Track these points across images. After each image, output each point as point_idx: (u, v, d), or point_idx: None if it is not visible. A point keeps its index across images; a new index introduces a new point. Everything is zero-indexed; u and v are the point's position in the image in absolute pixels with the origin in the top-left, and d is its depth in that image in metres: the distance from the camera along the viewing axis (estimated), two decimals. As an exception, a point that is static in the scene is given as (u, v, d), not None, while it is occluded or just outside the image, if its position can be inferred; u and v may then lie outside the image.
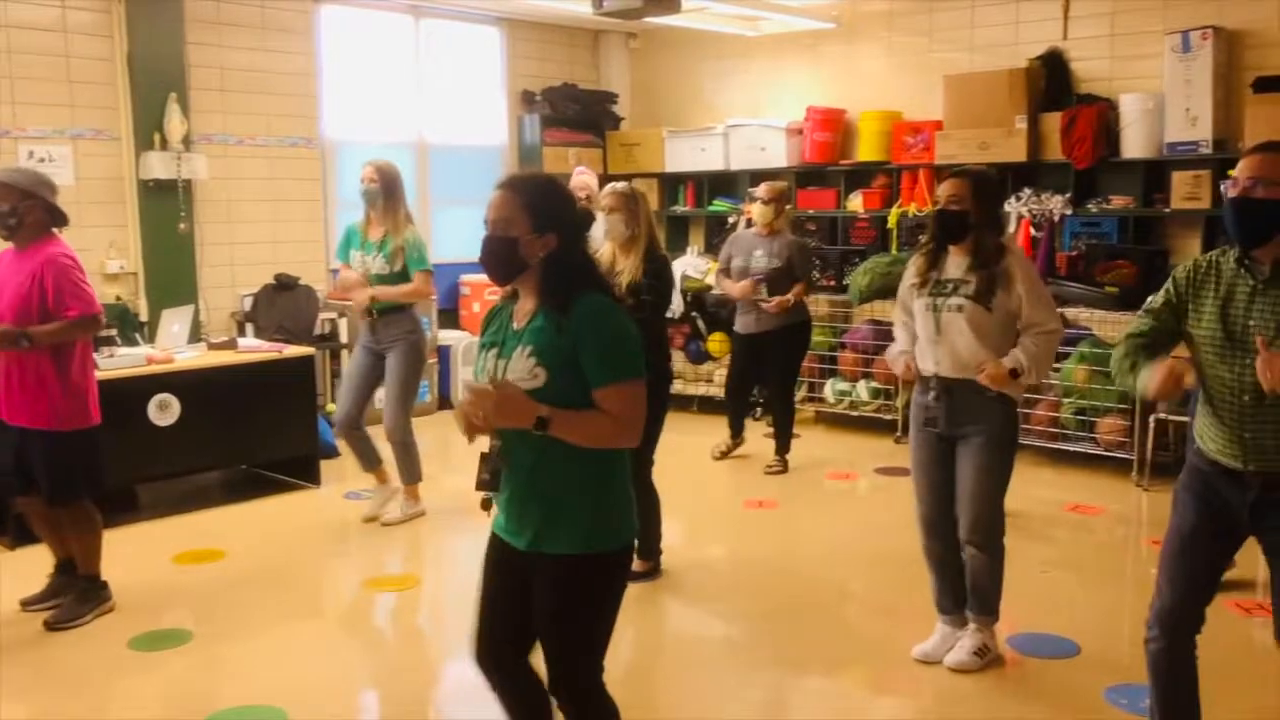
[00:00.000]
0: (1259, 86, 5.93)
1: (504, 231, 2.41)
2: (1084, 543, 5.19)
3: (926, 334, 3.67)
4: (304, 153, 7.50)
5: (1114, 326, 6.24)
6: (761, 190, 6.38)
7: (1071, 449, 6.31)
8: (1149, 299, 2.90)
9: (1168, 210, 6.41)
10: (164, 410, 5.45)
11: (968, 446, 3.64)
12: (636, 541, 4.55)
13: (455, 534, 5.37)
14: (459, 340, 8.07)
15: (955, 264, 3.63)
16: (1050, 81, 6.86)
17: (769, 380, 6.62)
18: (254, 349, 6.00)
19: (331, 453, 6.47)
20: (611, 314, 2.39)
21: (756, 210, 6.38)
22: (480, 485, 2.43)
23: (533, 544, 2.42)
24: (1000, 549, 3.73)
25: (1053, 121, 6.68)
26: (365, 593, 4.68)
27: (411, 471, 5.50)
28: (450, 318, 8.37)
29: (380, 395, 5.62)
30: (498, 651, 2.55)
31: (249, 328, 7.03)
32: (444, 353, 8.05)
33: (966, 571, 3.76)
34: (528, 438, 2.32)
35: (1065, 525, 5.43)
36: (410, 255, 5.23)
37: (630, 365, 2.36)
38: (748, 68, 8.53)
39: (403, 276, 5.24)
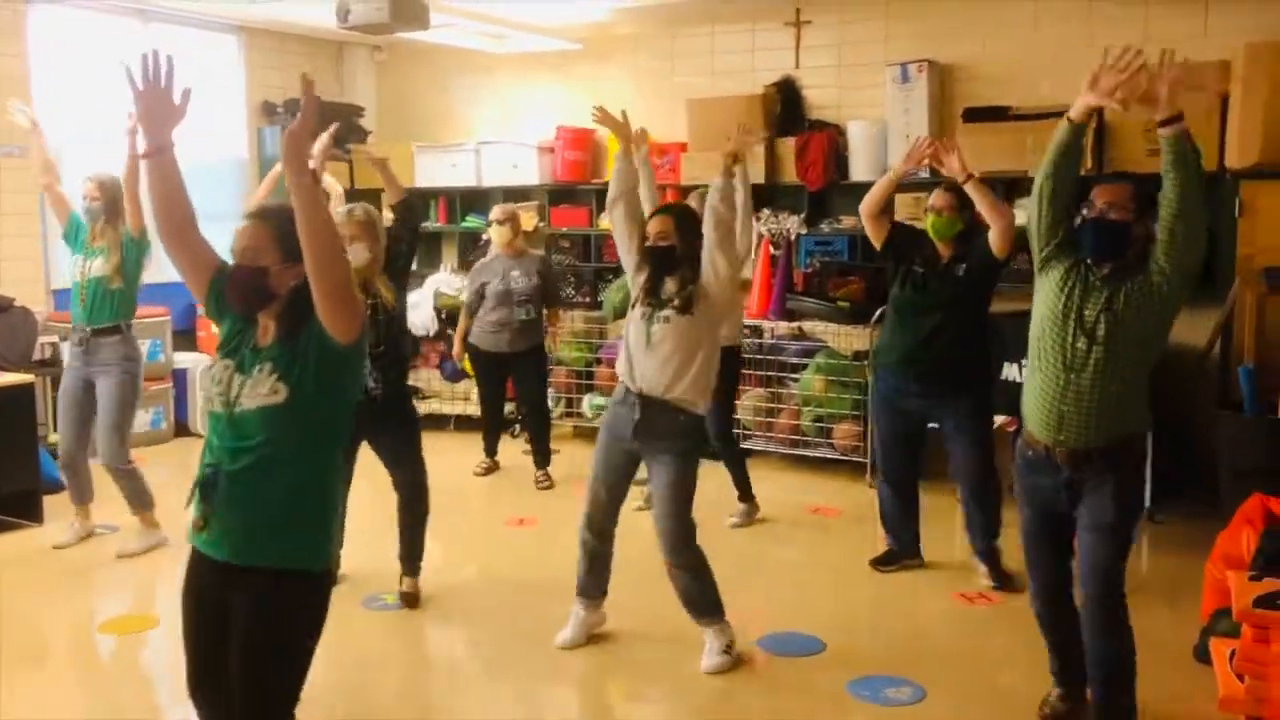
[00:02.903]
0: (968, 116, 6.48)
1: (253, 261, 2.37)
2: (825, 543, 5.49)
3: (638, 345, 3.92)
4: (17, 163, 6.90)
5: (847, 338, 6.65)
6: (495, 212, 6.53)
7: (811, 454, 6.67)
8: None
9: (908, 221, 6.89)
10: None
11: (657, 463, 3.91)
12: (409, 559, 4.53)
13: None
14: (197, 363, 7.64)
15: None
16: (784, 107, 7.23)
17: (525, 398, 6.69)
18: (-38, 377, 5.48)
19: (56, 487, 5.98)
20: None
21: (494, 232, 6.48)
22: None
23: (240, 558, 2.41)
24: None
25: (787, 146, 7.05)
26: (95, 637, 4.36)
27: (140, 498, 5.20)
28: (187, 339, 7.91)
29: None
30: (212, 679, 2.53)
31: (-44, 354, 6.40)
32: (180, 376, 7.59)
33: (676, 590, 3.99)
34: (248, 455, 2.35)
35: (807, 526, 5.73)
36: (128, 259, 5.05)
37: None
38: (498, 84, 8.55)
39: (122, 290, 5.05)
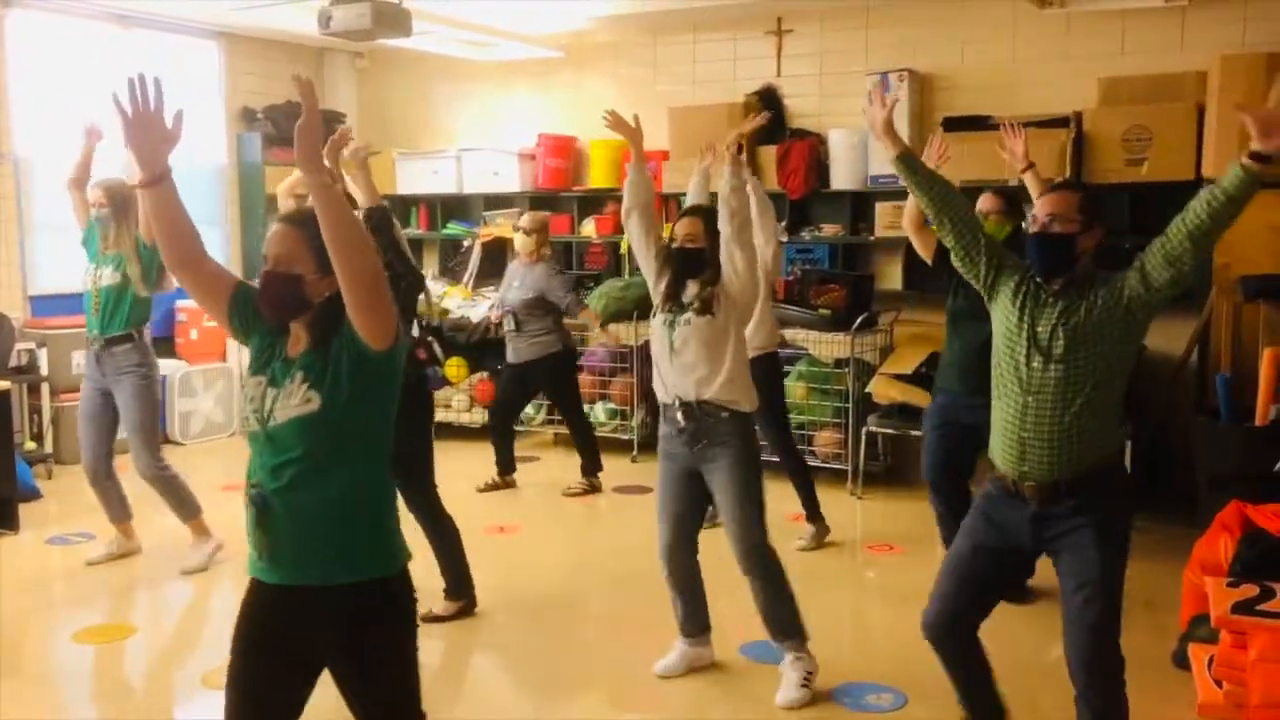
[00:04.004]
0: (948, 125, 6.51)
1: (287, 268, 2.29)
2: (805, 551, 5.49)
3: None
4: (-6, 169, 6.86)
5: (828, 346, 6.67)
6: (524, 220, 6.49)
7: (793, 462, 6.67)
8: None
9: (872, 238, 6.92)
10: None
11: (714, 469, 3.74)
12: (445, 581, 4.41)
13: (174, 576, 5.03)
14: (175, 370, 7.60)
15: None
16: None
17: (558, 408, 6.70)
18: (-63, 384, 5.43)
19: (33, 495, 5.94)
20: None
21: (518, 240, 6.46)
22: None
23: (312, 578, 2.29)
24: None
25: (769, 154, 7.07)
26: (71, 647, 4.31)
27: (185, 506, 5.10)
28: (166, 346, 7.85)
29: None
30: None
31: (-70, 361, 6.34)
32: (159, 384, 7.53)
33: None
34: (291, 469, 2.25)
35: (787, 534, 5.71)
36: (145, 266, 4.96)
37: None
38: (479, 92, 8.54)
39: (135, 297, 4.97)
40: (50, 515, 5.82)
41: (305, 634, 2.31)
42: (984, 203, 4.54)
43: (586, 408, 7.44)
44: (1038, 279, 2.92)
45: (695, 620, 3.96)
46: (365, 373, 2.26)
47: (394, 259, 4.22)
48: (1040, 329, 2.87)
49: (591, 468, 6.55)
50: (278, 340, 2.37)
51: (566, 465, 7.14)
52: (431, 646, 4.41)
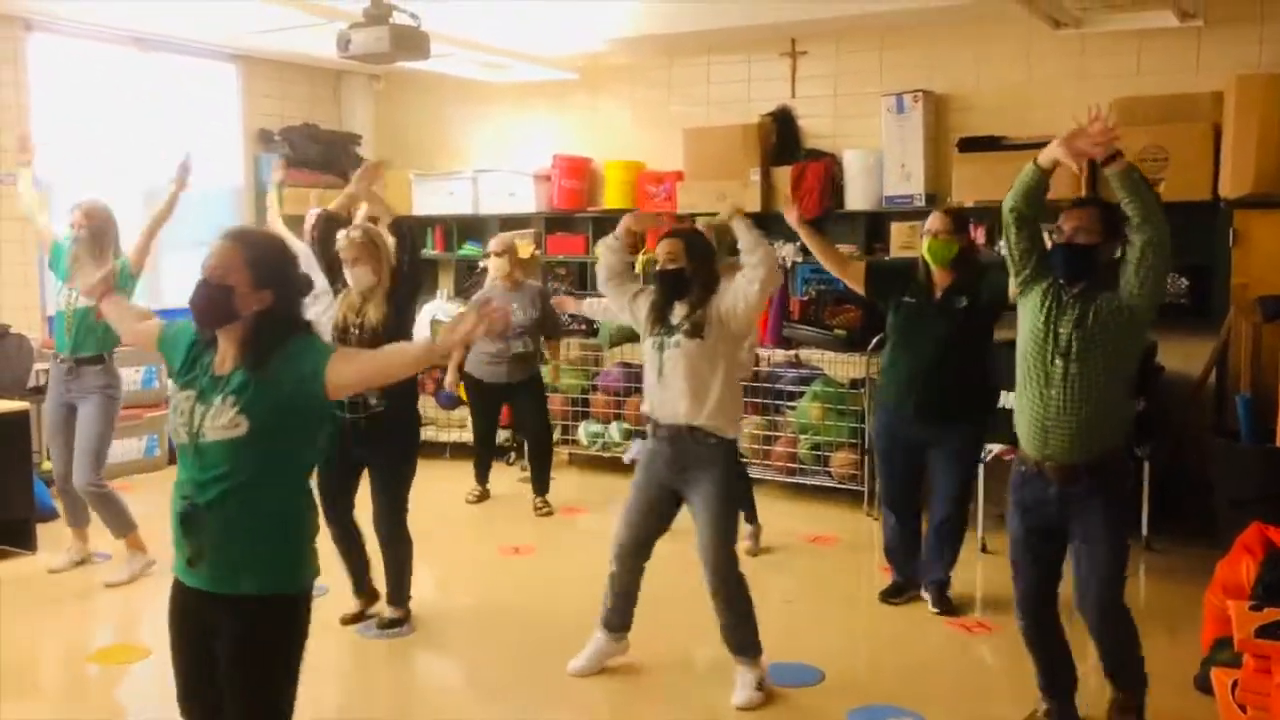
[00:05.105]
0: (963, 146, 6.52)
1: (220, 279, 2.40)
2: (822, 571, 5.47)
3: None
4: (9, 190, 6.90)
5: (843, 366, 6.65)
6: (492, 244, 6.56)
7: (808, 482, 6.65)
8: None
9: (887, 258, 6.91)
10: None
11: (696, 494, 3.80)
12: (387, 588, 4.51)
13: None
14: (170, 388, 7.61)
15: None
16: (780, 137, 7.26)
17: (526, 426, 6.73)
18: (-44, 404, 5.45)
19: (51, 515, 5.95)
20: (312, 334, 2.53)
21: (492, 264, 6.50)
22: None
23: (218, 587, 2.43)
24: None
25: (783, 175, 7.08)
26: (87, 668, 4.31)
27: (120, 522, 5.18)
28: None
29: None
30: (201, 703, 2.54)
31: (-51, 381, 6.38)
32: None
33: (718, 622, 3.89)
34: (215, 485, 2.38)
35: (805, 555, 5.71)
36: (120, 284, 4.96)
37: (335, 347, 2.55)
38: (495, 114, 8.58)
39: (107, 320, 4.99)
40: (67, 535, 5.81)
41: (213, 633, 2.46)
42: (932, 222, 4.59)
43: (601, 428, 7.47)
44: (1061, 284, 3.30)
45: (622, 618, 4.08)
46: (306, 408, 2.42)
47: (413, 264, 4.49)
48: (1062, 331, 3.26)
49: (544, 487, 6.57)
50: (203, 356, 2.50)
51: (579, 485, 7.15)
52: (447, 663, 4.40)
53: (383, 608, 4.62)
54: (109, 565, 5.31)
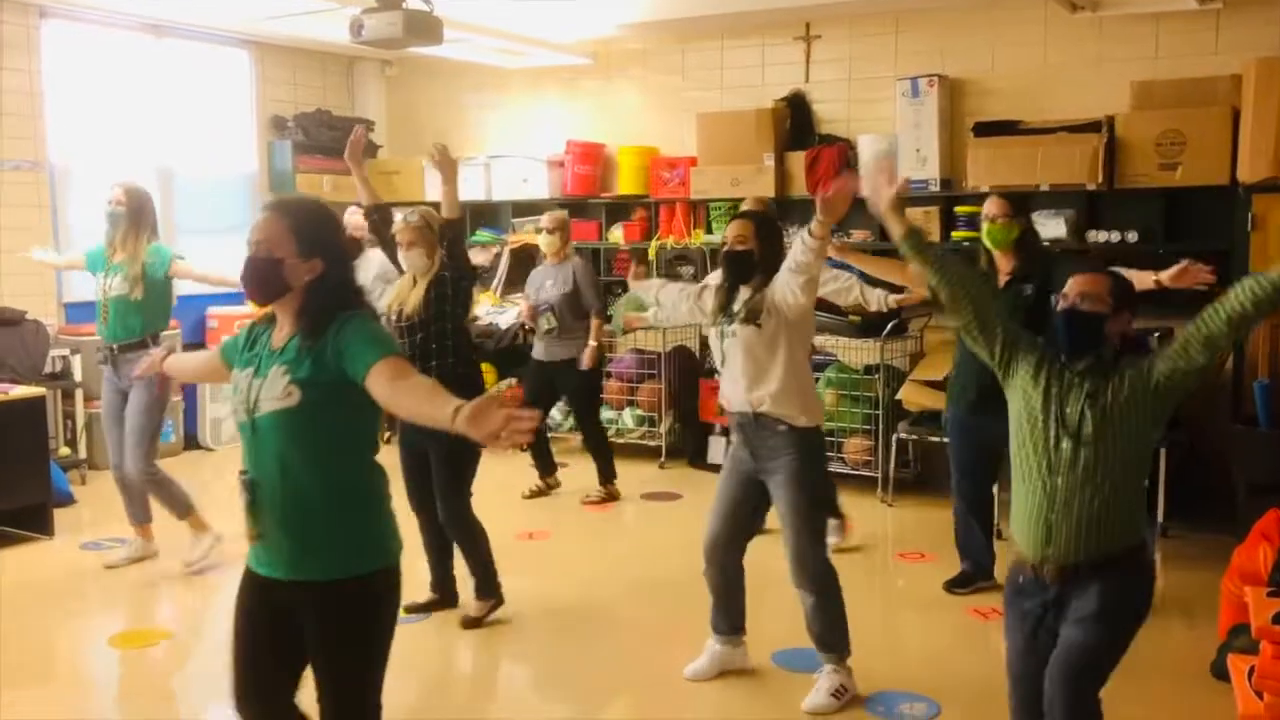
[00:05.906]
0: (979, 131, 6.48)
1: (268, 253, 2.36)
2: (837, 558, 5.37)
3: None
4: (28, 177, 6.93)
5: (857, 352, 6.63)
6: (545, 220, 6.47)
7: (823, 469, 6.63)
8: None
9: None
10: None
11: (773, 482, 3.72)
12: (475, 580, 4.45)
13: (208, 578, 5.06)
14: (208, 376, 7.65)
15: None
16: (794, 122, 7.23)
17: (572, 412, 6.70)
18: (-26, 390, 5.49)
19: (67, 500, 5.99)
20: (368, 320, 2.42)
21: (542, 240, 6.46)
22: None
23: (289, 573, 2.37)
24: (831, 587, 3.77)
25: (797, 160, 7.05)
26: (107, 651, 4.34)
27: (177, 504, 5.16)
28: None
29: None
30: (260, 694, 2.47)
31: (-33, 367, 6.41)
32: (190, 390, 7.60)
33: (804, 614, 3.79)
34: (274, 463, 2.33)
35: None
36: (151, 269, 5.03)
37: (392, 343, 2.38)
38: (507, 99, 8.57)
39: (144, 303, 5.02)
40: (84, 520, 5.86)
41: (285, 621, 2.39)
42: (990, 206, 4.53)
43: (614, 414, 7.45)
44: (1062, 359, 2.84)
45: (727, 618, 3.93)
46: (353, 389, 2.31)
47: (462, 266, 4.45)
48: (1069, 410, 2.78)
49: (609, 475, 6.53)
50: (263, 334, 2.46)
51: (594, 471, 7.12)
52: (463, 651, 4.42)
53: (467, 604, 4.56)
54: (118, 553, 5.31)
